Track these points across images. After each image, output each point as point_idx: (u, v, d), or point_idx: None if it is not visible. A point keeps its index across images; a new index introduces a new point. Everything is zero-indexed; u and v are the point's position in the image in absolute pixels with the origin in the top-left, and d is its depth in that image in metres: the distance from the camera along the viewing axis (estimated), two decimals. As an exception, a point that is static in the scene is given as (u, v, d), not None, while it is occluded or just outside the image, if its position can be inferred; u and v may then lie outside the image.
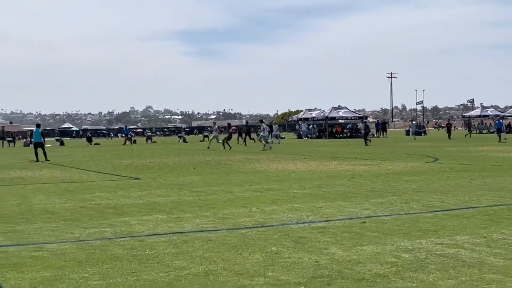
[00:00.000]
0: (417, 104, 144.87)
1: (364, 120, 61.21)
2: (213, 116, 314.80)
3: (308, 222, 9.32)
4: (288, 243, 7.74)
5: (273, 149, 35.60)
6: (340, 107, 66.13)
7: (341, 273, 6.16)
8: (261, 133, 38.92)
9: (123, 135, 69.17)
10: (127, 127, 71.14)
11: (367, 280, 5.91)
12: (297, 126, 71.45)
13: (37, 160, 27.68)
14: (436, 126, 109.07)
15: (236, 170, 20.18)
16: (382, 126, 65.16)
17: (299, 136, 64.83)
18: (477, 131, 69.80)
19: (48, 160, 27.77)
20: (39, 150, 28.47)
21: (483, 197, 11.83)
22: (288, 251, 7.23)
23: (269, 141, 37.59)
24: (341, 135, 62.30)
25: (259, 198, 12.44)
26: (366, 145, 39.28)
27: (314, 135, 62.71)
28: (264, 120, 46.07)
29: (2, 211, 11.24)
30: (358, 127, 66.57)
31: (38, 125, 29.57)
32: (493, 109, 79.09)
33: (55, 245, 7.88)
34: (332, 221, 9.32)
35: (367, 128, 43.86)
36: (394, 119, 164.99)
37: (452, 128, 43.55)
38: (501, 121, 43.01)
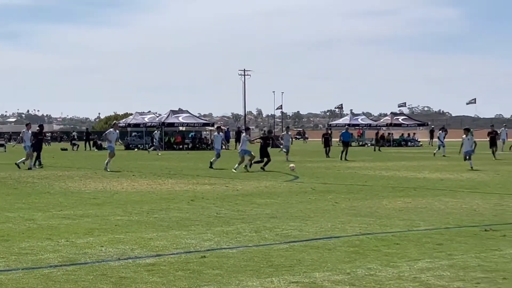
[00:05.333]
0: (275, 110, 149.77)
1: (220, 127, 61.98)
2: (13, 119, 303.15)
3: (133, 257, 9.34)
4: (106, 285, 7.70)
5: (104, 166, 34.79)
6: (180, 111, 66.61)
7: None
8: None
9: None
10: None
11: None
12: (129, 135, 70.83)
13: None
14: (300, 136, 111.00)
15: (41, 191, 19.66)
16: (237, 136, 66.60)
17: (128, 147, 64.42)
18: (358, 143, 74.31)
19: None
20: None
21: (348, 224, 12.49)
22: (104, 296, 7.16)
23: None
24: (181, 146, 62.65)
25: (70, 227, 12.26)
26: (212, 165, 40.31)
27: (147, 145, 62.50)
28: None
29: None
30: (203, 136, 67.47)
31: None
32: (364, 117, 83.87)
33: None
34: (164, 256, 9.43)
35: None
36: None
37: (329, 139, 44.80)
38: (348, 132, 44.08)
